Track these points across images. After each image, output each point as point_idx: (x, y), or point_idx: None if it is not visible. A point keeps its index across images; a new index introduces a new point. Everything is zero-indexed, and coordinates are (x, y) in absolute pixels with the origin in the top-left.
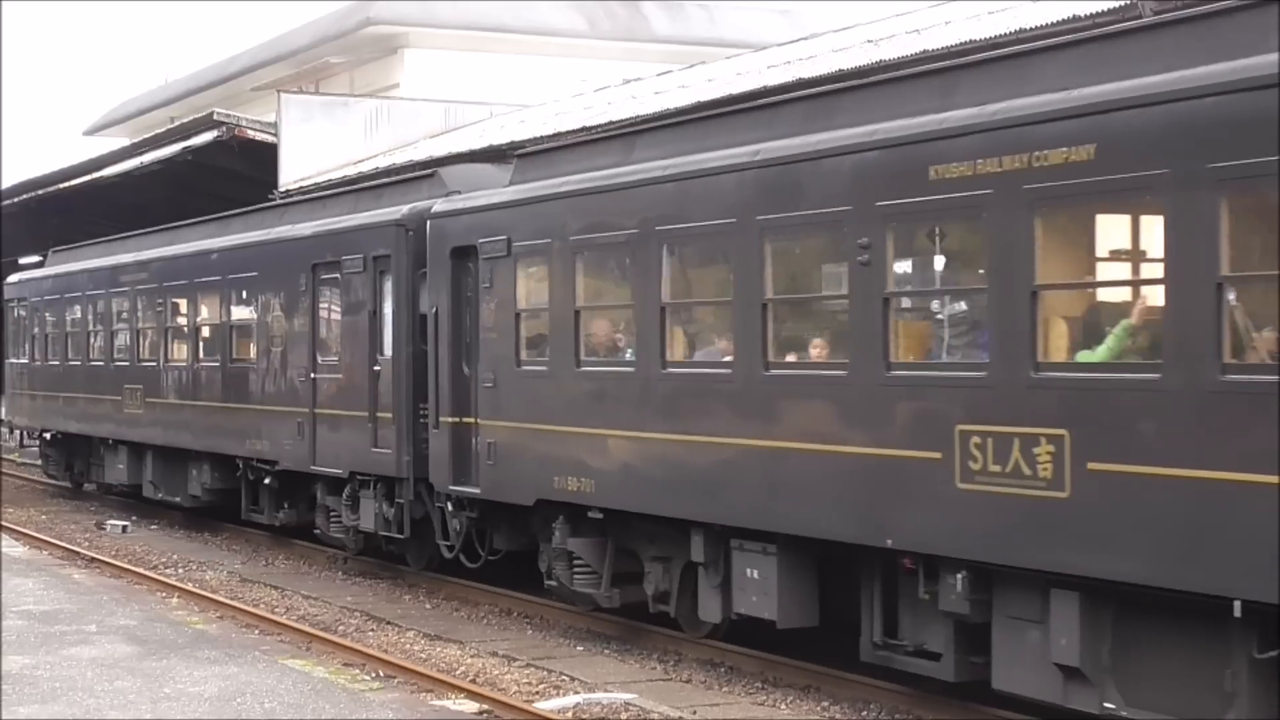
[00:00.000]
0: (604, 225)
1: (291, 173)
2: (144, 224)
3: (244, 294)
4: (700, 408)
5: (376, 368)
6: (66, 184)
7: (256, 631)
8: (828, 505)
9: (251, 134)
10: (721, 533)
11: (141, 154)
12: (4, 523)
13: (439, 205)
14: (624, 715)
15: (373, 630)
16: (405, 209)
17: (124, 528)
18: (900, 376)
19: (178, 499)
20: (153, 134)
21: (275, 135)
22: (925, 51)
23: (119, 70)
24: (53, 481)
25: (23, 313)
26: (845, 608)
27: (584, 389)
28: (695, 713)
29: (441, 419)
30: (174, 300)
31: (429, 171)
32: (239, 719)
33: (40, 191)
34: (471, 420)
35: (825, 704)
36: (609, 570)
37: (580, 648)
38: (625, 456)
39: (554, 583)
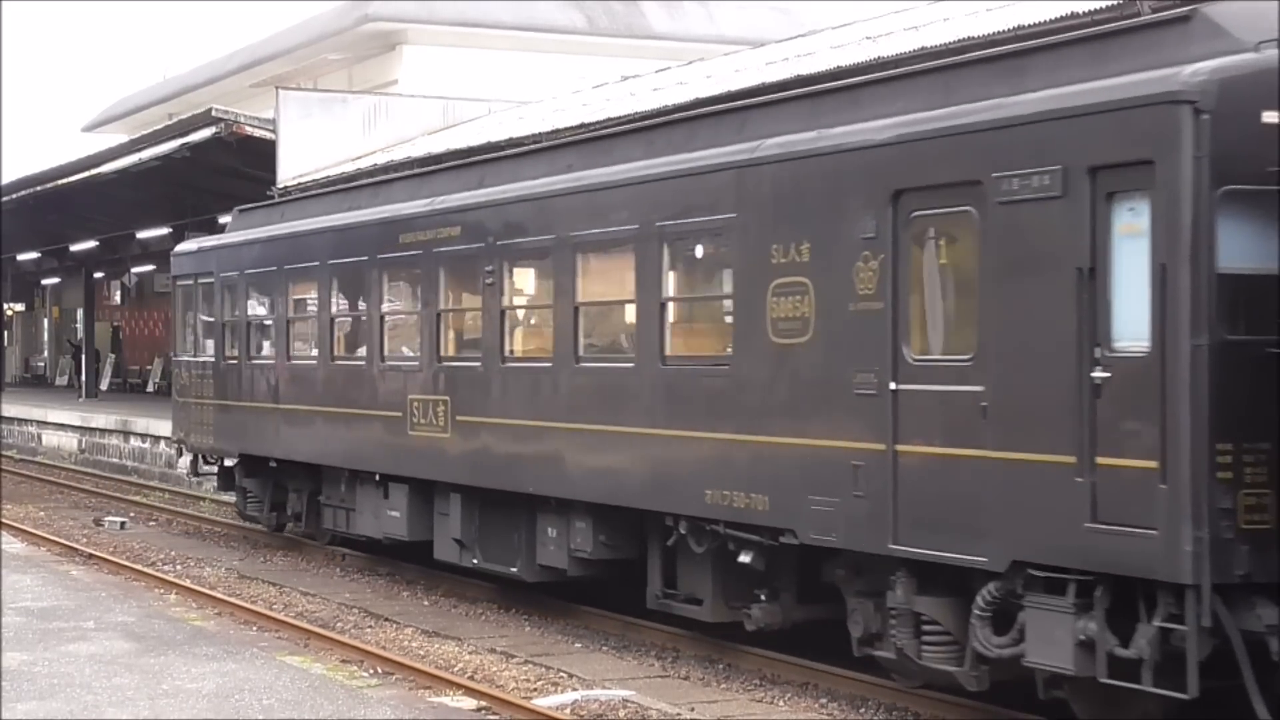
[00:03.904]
0: None
1: (290, 169)
2: (143, 222)
3: (697, 251)
4: None
5: (1099, 373)
6: (65, 180)
7: (254, 628)
8: None
9: (250, 130)
10: None
11: (140, 150)
12: (3, 519)
13: None
14: (622, 712)
15: (371, 627)
16: (1189, 72)
17: (122, 524)
18: None
19: (512, 569)
20: (151, 130)
21: (274, 132)
22: (924, 48)
23: (118, 67)
24: (251, 527)
25: (204, 294)
26: None
27: None
28: (693, 710)
29: None
30: (518, 267)
31: (1180, 12)
32: (237, 716)
33: (39, 188)
34: None
35: (823, 701)
36: None
37: (578, 645)
38: None
39: None
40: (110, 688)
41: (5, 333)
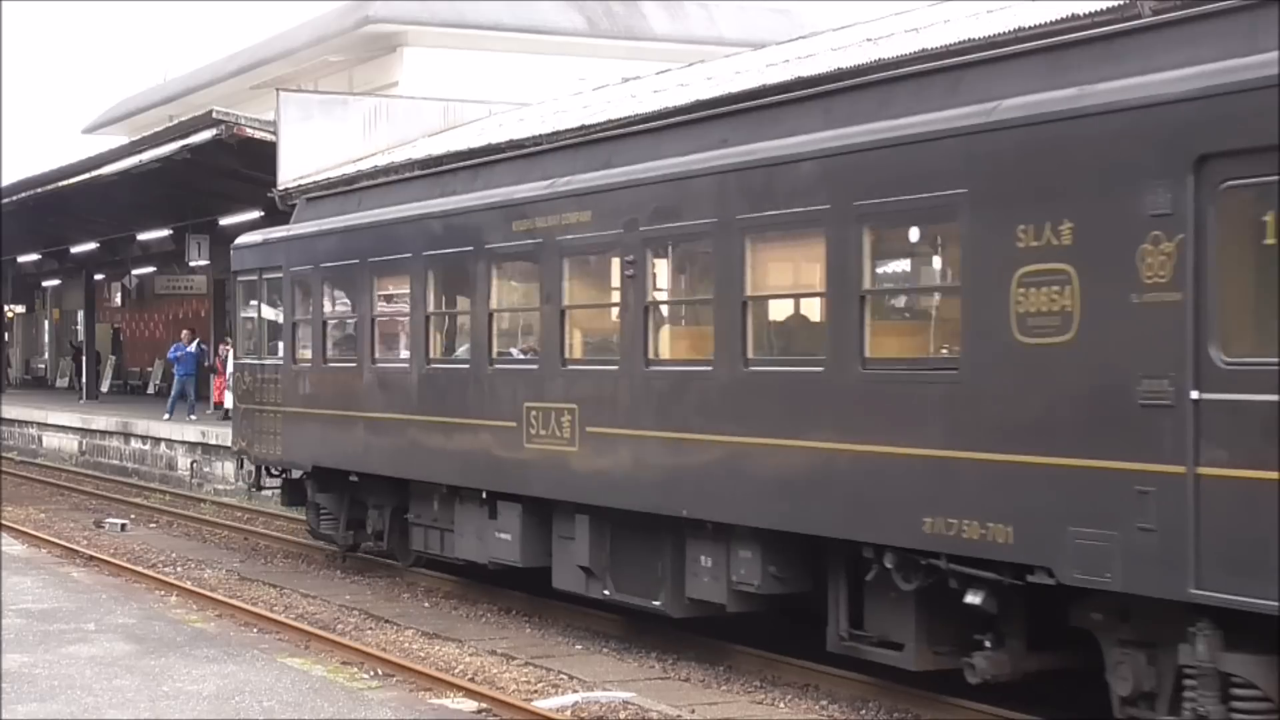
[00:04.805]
0: None
1: (290, 171)
2: (144, 224)
3: (911, 234)
4: None
5: None
6: (65, 182)
7: (255, 630)
8: None
9: (250, 132)
10: None
11: (140, 152)
12: (3, 521)
13: None
14: (623, 714)
15: (371, 628)
16: None
17: (123, 526)
18: None
19: (655, 603)
20: (151, 132)
21: (274, 133)
22: (924, 50)
23: (118, 68)
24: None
25: (270, 290)
26: None
27: None
28: (694, 711)
29: None
30: (666, 256)
31: None
32: (237, 717)
33: (39, 190)
34: None
35: (824, 703)
36: None
37: (579, 646)
38: None
39: None
40: (111, 689)
41: (6, 334)
